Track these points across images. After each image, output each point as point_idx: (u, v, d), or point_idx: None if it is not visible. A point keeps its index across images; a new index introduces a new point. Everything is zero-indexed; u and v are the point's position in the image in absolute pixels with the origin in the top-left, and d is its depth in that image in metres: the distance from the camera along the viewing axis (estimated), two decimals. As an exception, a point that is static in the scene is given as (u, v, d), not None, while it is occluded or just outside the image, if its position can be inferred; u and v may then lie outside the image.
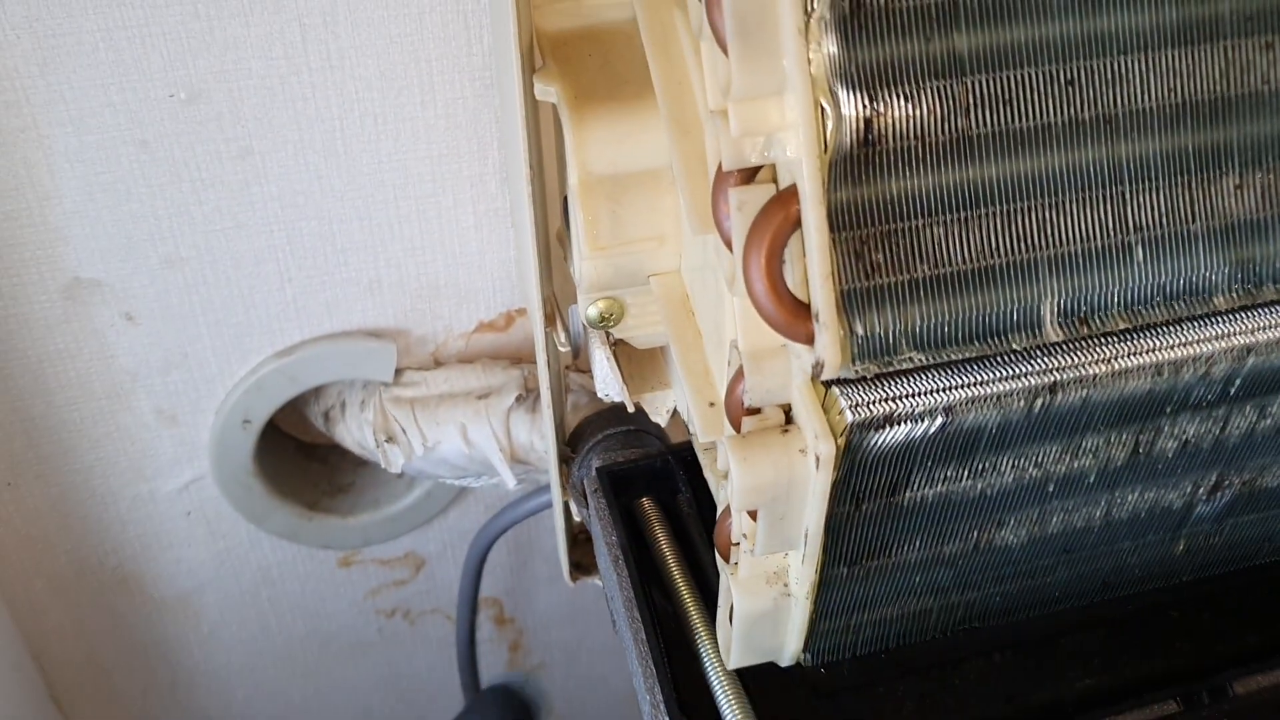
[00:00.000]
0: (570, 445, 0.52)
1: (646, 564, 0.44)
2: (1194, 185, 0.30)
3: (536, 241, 0.42)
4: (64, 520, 0.59)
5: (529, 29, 0.37)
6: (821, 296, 0.28)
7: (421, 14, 0.48)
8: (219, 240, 0.52)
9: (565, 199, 0.41)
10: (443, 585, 0.70)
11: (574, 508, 0.51)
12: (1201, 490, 0.37)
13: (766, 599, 0.36)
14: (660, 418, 0.45)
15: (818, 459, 0.30)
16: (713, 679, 0.39)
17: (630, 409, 0.44)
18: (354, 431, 0.58)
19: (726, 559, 0.37)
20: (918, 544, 0.35)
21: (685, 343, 0.38)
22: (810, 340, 0.29)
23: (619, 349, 0.43)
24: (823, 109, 0.27)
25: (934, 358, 0.29)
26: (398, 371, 0.57)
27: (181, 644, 0.67)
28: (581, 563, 0.56)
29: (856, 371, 0.29)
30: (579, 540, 0.55)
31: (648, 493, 0.46)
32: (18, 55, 0.45)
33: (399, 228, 0.54)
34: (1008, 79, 0.28)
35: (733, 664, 0.38)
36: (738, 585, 0.36)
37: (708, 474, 0.41)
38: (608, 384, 0.44)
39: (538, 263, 0.43)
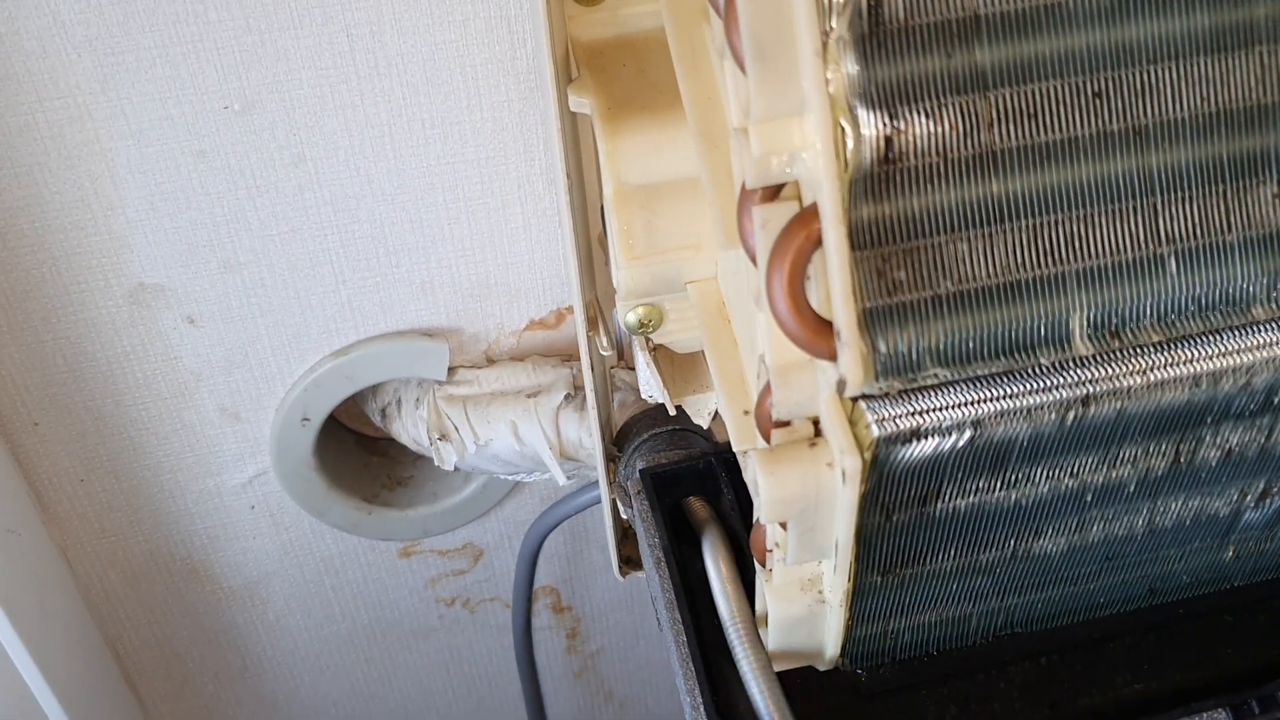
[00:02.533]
0: (616, 444, 0.52)
1: (691, 563, 0.45)
2: (1229, 195, 0.29)
3: (577, 247, 0.43)
4: (135, 514, 0.62)
5: (563, 41, 0.38)
6: (843, 315, 0.28)
7: (466, 20, 0.48)
8: (275, 245, 0.53)
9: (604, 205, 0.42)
10: (501, 574, 0.71)
11: (620, 506, 0.51)
12: (1250, 497, 0.36)
13: (801, 605, 0.36)
14: (702, 420, 0.46)
15: (844, 473, 0.30)
16: (752, 682, 0.40)
17: (671, 412, 0.44)
18: (409, 429, 0.59)
19: (763, 564, 0.37)
20: (952, 552, 0.35)
21: (721, 350, 0.38)
22: (834, 357, 0.29)
23: (660, 352, 0.44)
24: (842, 128, 0.27)
25: (959, 374, 0.29)
26: (451, 369, 0.58)
27: (249, 631, 0.70)
28: (631, 557, 0.56)
29: (880, 389, 0.29)
30: (629, 535, 0.56)
31: (692, 493, 0.47)
32: (79, 73, 0.46)
33: (449, 229, 0.55)
34: (1032, 92, 0.28)
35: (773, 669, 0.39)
36: (772, 591, 0.36)
37: (747, 477, 0.42)
38: (650, 386, 0.45)
39: (578, 268, 0.43)
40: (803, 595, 0.36)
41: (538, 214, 0.55)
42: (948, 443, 0.30)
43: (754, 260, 0.30)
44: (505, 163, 0.53)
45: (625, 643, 0.79)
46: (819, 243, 0.28)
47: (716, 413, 0.46)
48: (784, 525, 0.33)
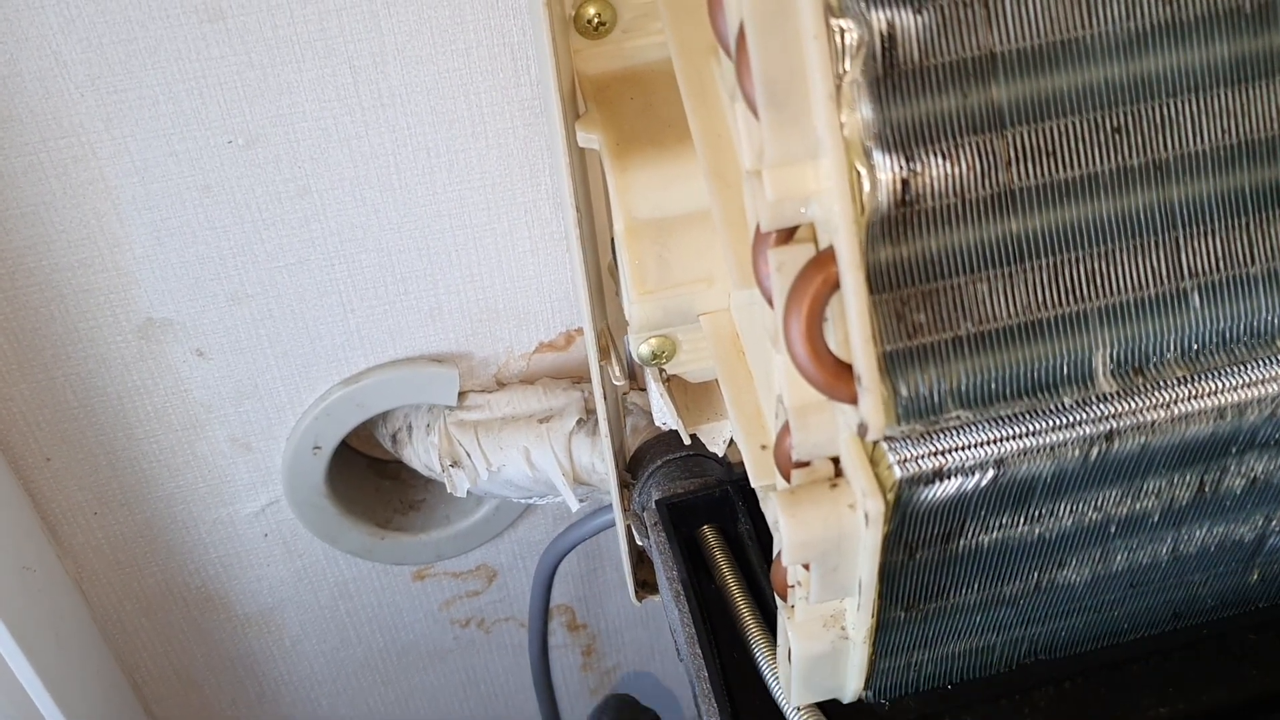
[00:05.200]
0: (630, 470, 0.52)
1: (710, 593, 0.44)
2: (1252, 226, 0.29)
3: (587, 277, 0.43)
4: (150, 545, 0.62)
5: (569, 75, 0.37)
6: (863, 360, 0.27)
7: (469, 49, 0.48)
8: (282, 276, 0.53)
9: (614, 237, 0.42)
10: (515, 595, 0.71)
11: (635, 533, 0.51)
12: (1275, 522, 0.36)
13: (824, 642, 0.36)
14: (717, 448, 0.45)
15: (867, 516, 0.30)
16: (786, 709, 0.39)
17: (686, 441, 0.44)
18: (421, 455, 0.59)
19: (784, 599, 0.37)
20: (976, 586, 0.34)
21: (736, 384, 0.38)
22: (854, 400, 0.28)
23: (673, 382, 0.43)
24: (858, 172, 0.26)
25: (981, 415, 0.29)
26: (461, 394, 0.58)
27: (266, 657, 0.69)
28: (648, 581, 0.56)
29: (902, 432, 0.28)
30: (644, 559, 0.56)
31: (708, 522, 0.46)
32: (83, 112, 0.46)
33: (456, 255, 0.54)
34: (1051, 130, 0.27)
35: (794, 703, 0.38)
36: (795, 629, 0.36)
37: (765, 509, 0.41)
38: (664, 414, 0.44)
39: (589, 298, 0.43)
40: (826, 632, 0.35)
41: (545, 238, 0.54)
42: (970, 482, 0.30)
43: (770, 302, 0.29)
44: (511, 188, 0.53)
45: (641, 659, 0.79)
46: (837, 286, 0.28)
47: (732, 439, 0.45)
48: (806, 565, 0.33)
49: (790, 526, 0.30)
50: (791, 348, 0.28)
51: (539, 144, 0.51)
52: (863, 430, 0.28)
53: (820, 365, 0.28)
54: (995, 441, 0.30)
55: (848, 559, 0.32)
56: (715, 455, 0.50)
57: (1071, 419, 0.30)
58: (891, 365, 0.28)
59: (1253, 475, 0.33)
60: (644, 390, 0.58)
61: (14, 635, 0.54)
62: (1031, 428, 0.30)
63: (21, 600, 0.55)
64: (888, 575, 0.32)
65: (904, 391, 0.28)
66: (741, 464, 0.48)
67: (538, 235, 0.54)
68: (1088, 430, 0.30)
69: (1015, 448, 0.30)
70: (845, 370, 0.28)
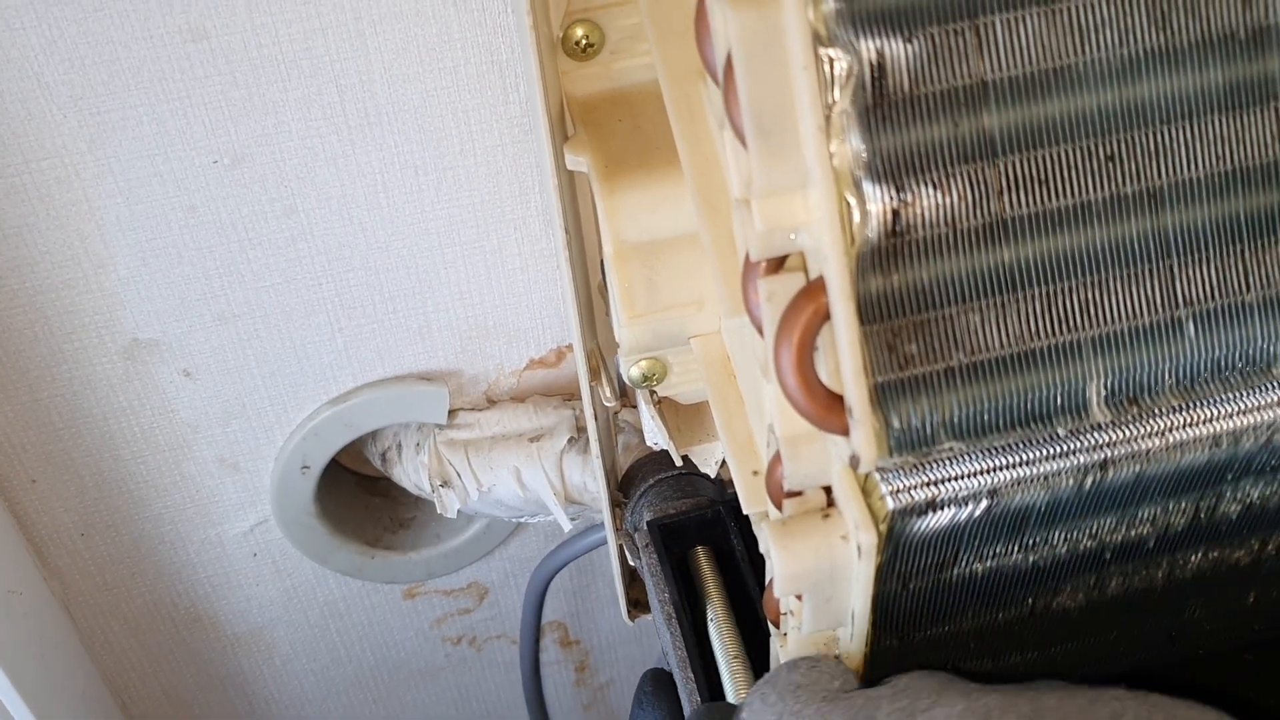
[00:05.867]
0: (622, 489, 0.52)
1: (702, 614, 0.44)
2: (1248, 254, 0.28)
3: (577, 298, 0.42)
4: (137, 566, 0.61)
5: (557, 98, 0.37)
6: (854, 392, 0.27)
7: (456, 66, 0.48)
8: (269, 296, 0.52)
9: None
10: (507, 612, 0.71)
11: (627, 553, 0.50)
12: (1270, 546, 0.35)
13: (817, 670, 0.35)
14: (709, 469, 0.45)
15: (860, 548, 0.29)
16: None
17: (678, 462, 0.44)
18: (410, 474, 0.58)
19: (776, 625, 0.36)
20: (970, 614, 0.34)
21: (727, 408, 0.37)
22: (845, 432, 0.28)
23: (665, 403, 0.43)
24: (848, 203, 0.26)
25: (974, 446, 0.28)
26: (451, 412, 0.58)
27: (256, 677, 0.69)
28: (640, 600, 0.56)
29: (894, 464, 0.28)
30: (636, 578, 0.55)
31: (700, 542, 0.46)
32: (65, 133, 0.45)
33: (445, 273, 0.54)
34: (1043, 158, 0.27)
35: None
36: (787, 656, 0.35)
37: (760, 545, 0.41)
38: (655, 435, 0.44)
39: (579, 319, 0.42)
40: (818, 660, 0.35)
41: (535, 255, 0.54)
42: (964, 512, 0.30)
43: (760, 331, 0.29)
44: (500, 206, 0.52)
45: (634, 674, 0.78)
46: (827, 316, 0.27)
47: (724, 460, 0.45)
48: (799, 595, 0.32)
49: (782, 559, 0.30)
50: (782, 379, 0.28)
51: (528, 161, 0.51)
52: (855, 462, 0.28)
53: (811, 397, 0.28)
54: (988, 472, 0.29)
55: (840, 590, 0.31)
56: (707, 475, 0.49)
57: (1065, 449, 0.29)
58: (883, 397, 0.27)
59: (1248, 501, 0.33)
60: (634, 407, 0.58)
61: (0, 658, 0.53)
62: (1025, 458, 0.29)
63: (7, 623, 0.54)
64: (881, 605, 0.32)
65: (896, 423, 0.28)
66: (734, 482, 0.48)
67: (527, 252, 0.54)
68: (1082, 460, 0.29)
69: (1009, 478, 0.29)
70: (836, 402, 0.28)
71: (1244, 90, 0.27)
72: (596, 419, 0.46)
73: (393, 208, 0.51)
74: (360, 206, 0.51)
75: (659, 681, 0.42)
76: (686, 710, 0.40)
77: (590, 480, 0.55)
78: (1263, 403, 0.30)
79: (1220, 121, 0.27)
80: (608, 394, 0.44)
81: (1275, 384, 0.30)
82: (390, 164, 0.50)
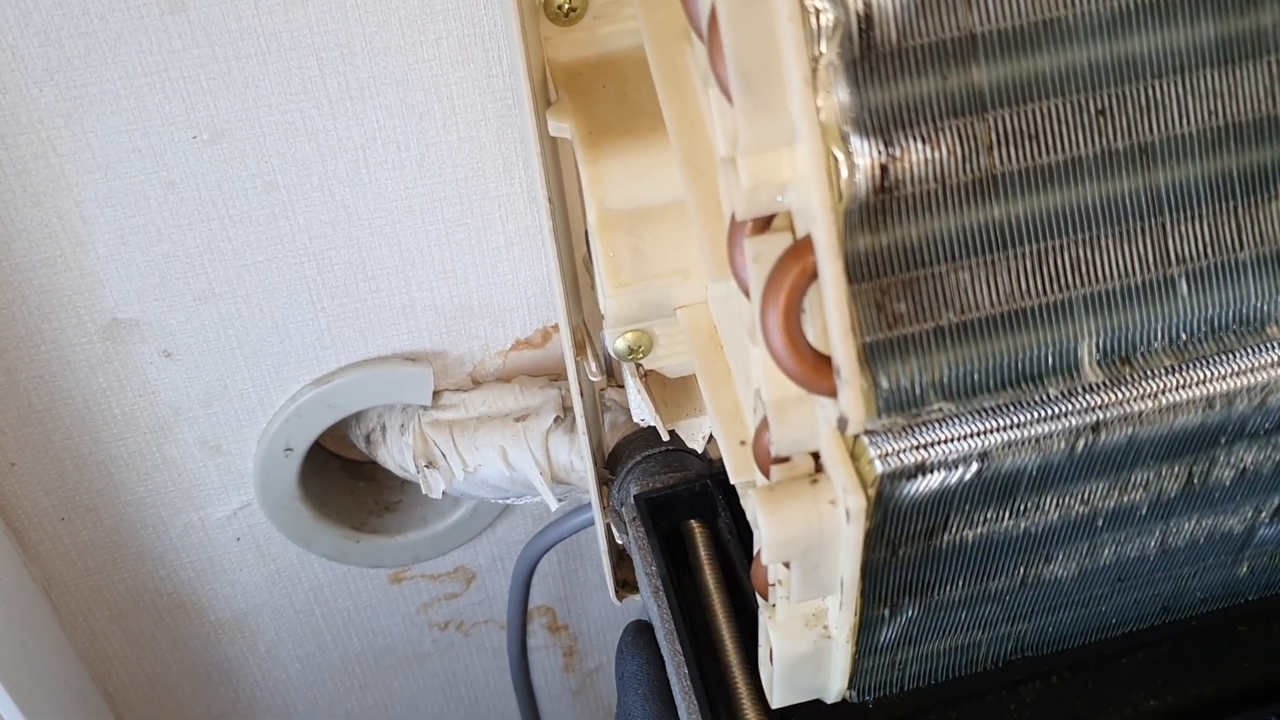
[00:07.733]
0: (609, 466, 0.51)
1: (689, 589, 0.44)
2: (1240, 211, 0.28)
3: (561, 272, 0.42)
4: (119, 551, 0.60)
5: (540, 63, 0.36)
6: (842, 352, 0.27)
7: (439, 39, 0.47)
8: (250, 274, 0.52)
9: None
10: (495, 596, 0.70)
11: (615, 531, 0.50)
12: (1264, 514, 0.35)
13: (806, 641, 0.35)
14: (696, 443, 0.44)
15: (848, 512, 0.29)
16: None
17: (665, 437, 0.43)
18: (395, 455, 0.58)
19: (764, 598, 0.36)
20: (961, 583, 0.34)
21: (714, 378, 0.37)
22: (833, 393, 0.27)
23: (651, 377, 0.42)
24: (835, 158, 0.26)
25: (964, 407, 0.28)
26: (436, 393, 0.57)
27: (240, 663, 0.68)
28: (628, 581, 0.55)
29: (883, 426, 0.28)
30: (624, 558, 0.55)
31: (688, 516, 0.45)
32: (42, 107, 0.45)
33: (429, 251, 0.53)
34: (1033, 112, 0.26)
35: (776, 703, 0.38)
36: (776, 628, 0.35)
37: (745, 506, 0.40)
38: (642, 411, 0.43)
39: (564, 293, 0.42)
40: (808, 631, 0.35)
41: (520, 233, 0.53)
42: (954, 476, 0.29)
43: (747, 294, 0.28)
44: (484, 182, 0.51)
45: (624, 658, 0.78)
46: (814, 276, 0.27)
47: (711, 435, 0.44)
48: (787, 564, 0.32)
49: (769, 524, 0.30)
50: (769, 340, 0.27)
51: (512, 136, 0.50)
52: (843, 424, 0.27)
53: (798, 358, 0.27)
54: (979, 434, 0.29)
55: (829, 557, 0.31)
56: (695, 450, 0.49)
57: (1057, 410, 0.29)
58: (871, 357, 0.27)
59: (1242, 466, 0.32)
60: (622, 387, 0.57)
61: (-21, 645, 0.53)
62: (1016, 420, 0.29)
63: (-14, 610, 0.54)
64: (870, 572, 0.32)
65: (884, 384, 0.27)
66: (721, 459, 0.47)
67: (512, 230, 0.53)
68: (1074, 422, 0.29)
69: (999, 440, 0.29)
70: (824, 363, 0.27)
71: (1236, 44, 0.27)
72: (583, 395, 0.45)
73: (375, 184, 0.50)
74: (342, 183, 0.50)
75: (640, 632, 0.42)
76: (670, 669, 0.39)
77: (577, 459, 0.54)
78: (1257, 364, 0.29)
79: (1213, 75, 0.27)
80: (593, 369, 0.43)
81: (1270, 344, 0.29)
82: (372, 139, 0.49)
